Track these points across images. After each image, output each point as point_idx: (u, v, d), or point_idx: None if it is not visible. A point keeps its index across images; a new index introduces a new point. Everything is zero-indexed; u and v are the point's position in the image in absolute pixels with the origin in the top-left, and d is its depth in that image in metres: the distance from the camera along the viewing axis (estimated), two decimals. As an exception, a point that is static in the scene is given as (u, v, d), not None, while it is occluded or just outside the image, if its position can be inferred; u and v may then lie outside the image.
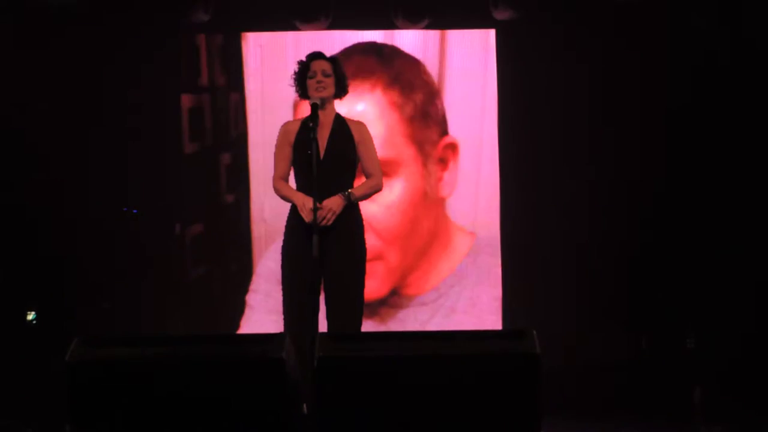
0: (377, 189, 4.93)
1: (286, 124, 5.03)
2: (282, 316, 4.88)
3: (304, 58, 4.99)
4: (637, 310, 7.38)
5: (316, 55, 4.96)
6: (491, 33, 7.58)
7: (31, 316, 7.50)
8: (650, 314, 7.37)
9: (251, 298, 7.54)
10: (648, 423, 5.76)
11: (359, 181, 5.00)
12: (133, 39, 7.34)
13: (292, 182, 5.08)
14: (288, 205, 4.97)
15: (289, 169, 4.95)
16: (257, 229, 7.56)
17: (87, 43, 7.31)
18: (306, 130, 4.79)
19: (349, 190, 4.77)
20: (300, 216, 4.75)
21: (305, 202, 4.69)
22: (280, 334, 3.63)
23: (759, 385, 6.49)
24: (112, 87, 7.34)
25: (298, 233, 4.74)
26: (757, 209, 7.07)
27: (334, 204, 4.70)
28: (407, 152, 7.49)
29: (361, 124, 5.00)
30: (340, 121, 4.93)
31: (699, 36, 7.17)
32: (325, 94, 4.87)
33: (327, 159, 4.79)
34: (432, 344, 3.56)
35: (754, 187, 7.07)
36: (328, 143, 4.84)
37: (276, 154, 4.99)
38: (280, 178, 4.94)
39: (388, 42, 7.59)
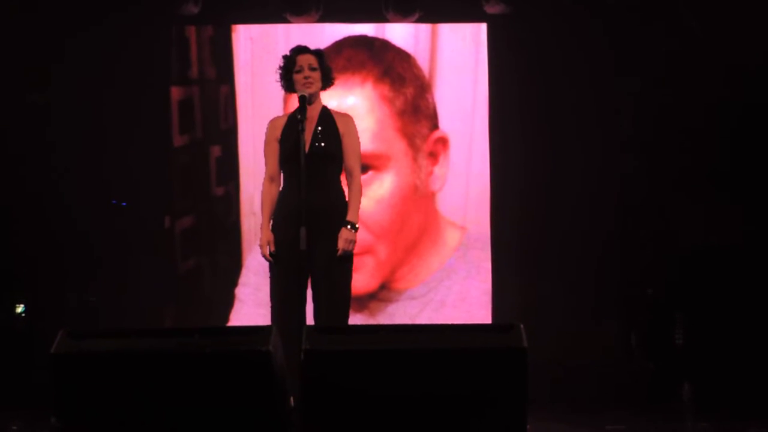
0: (361, 191, 4.90)
1: (273, 120, 5.01)
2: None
3: (288, 53, 4.97)
4: (627, 306, 7.38)
5: (301, 49, 4.92)
6: (483, 27, 7.57)
7: (20, 308, 7.49)
8: (639, 310, 7.38)
9: (240, 292, 7.53)
10: (636, 419, 5.76)
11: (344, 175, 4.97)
12: (123, 30, 7.32)
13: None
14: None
15: (278, 167, 4.93)
16: (247, 222, 7.54)
17: (76, 34, 7.28)
18: (293, 123, 4.77)
19: (348, 219, 4.75)
20: (288, 208, 4.74)
21: (267, 241, 4.75)
22: (267, 326, 3.61)
23: (747, 382, 6.50)
24: (101, 78, 7.31)
25: (286, 226, 4.72)
26: (749, 204, 7.08)
27: (346, 237, 4.71)
28: (398, 146, 7.48)
29: (347, 117, 4.98)
30: (326, 115, 4.91)
31: (690, 33, 7.17)
32: (313, 89, 4.85)
33: (312, 153, 4.77)
34: (419, 338, 3.55)
35: (748, 181, 7.08)
36: (313, 137, 4.82)
37: (264, 151, 4.97)
38: (269, 179, 4.91)
39: (379, 35, 7.57)
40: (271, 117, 5.12)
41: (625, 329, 7.34)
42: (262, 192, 4.92)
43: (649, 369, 7.13)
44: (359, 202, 4.85)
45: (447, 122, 7.55)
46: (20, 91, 7.24)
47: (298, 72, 4.84)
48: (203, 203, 7.67)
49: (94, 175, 7.36)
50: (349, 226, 4.73)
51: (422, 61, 7.54)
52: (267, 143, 4.94)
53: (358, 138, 4.94)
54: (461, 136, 7.56)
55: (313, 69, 4.84)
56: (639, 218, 7.42)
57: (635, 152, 7.37)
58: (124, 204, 7.57)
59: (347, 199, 4.85)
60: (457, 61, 7.56)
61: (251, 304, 7.49)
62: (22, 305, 7.51)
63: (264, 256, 4.79)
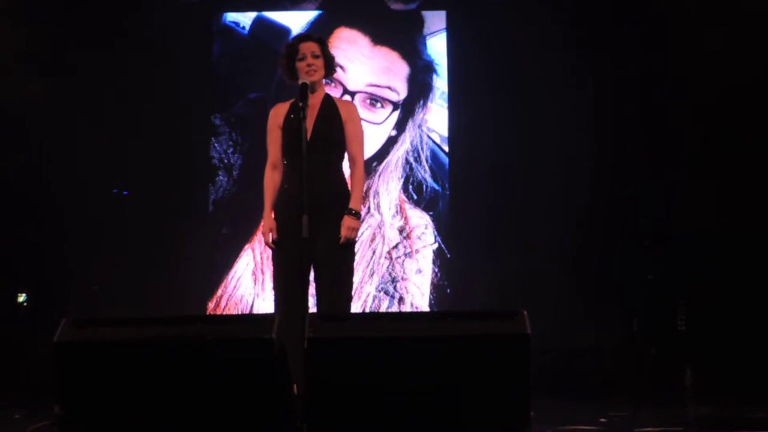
0: (364, 178, 4.88)
1: (275, 107, 4.98)
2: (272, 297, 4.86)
3: (290, 40, 4.95)
4: (628, 293, 7.38)
5: (304, 37, 4.89)
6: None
7: (21, 297, 7.50)
8: (641, 296, 7.38)
9: (242, 280, 7.54)
10: (638, 404, 5.77)
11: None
12: (126, 18, 7.32)
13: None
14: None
15: (281, 154, 4.89)
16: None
17: (77, 24, 7.29)
18: (296, 111, 4.74)
19: (351, 207, 4.72)
20: (290, 196, 4.72)
21: (270, 229, 4.73)
22: (270, 314, 3.60)
23: (749, 367, 6.50)
24: (104, 70, 7.32)
25: (289, 213, 4.70)
26: (752, 190, 7.07)
27: (349, 225, 4.68)
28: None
29: (350, 104, 4.95)
30: (329, 102, 4.88)
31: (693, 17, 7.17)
32: (316, 77, 4.81)
33: (315, 140, 4.74)
34: (422, 325, 3.53)
35: (750, 167, 7.07)
36: (315, 124, 4.79)
37: (267, 138, 4.93)
38: (271, 166, 4.88)
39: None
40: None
41: (627, 315, 7.34)
42: (265, 179, 4.88)
43: (651, 355, 7.14)
44: (362, 190, 4.83)
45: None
46: (20, 80, 7.24)
47: (301, 60, 4.80)
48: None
49: (95, 165, 7.37)
50: (351, 214, 4.72)
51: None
52: (269, 130, 4.91)
53: (361, 125, 4.91)
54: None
55: (316, 56, 4.80)
56: (640, 204, 7.41)
57: (637, 138, 7.36)
58: (125, 193, 7.57)
59: (349, 186, 4.83)
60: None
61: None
62: (23, 294, 7.52)
63: (267, 243, 4.77)
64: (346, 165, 4.87)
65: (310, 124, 4.76)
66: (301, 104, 4.62)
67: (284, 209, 4.75)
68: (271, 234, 4.74)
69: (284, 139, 4.82)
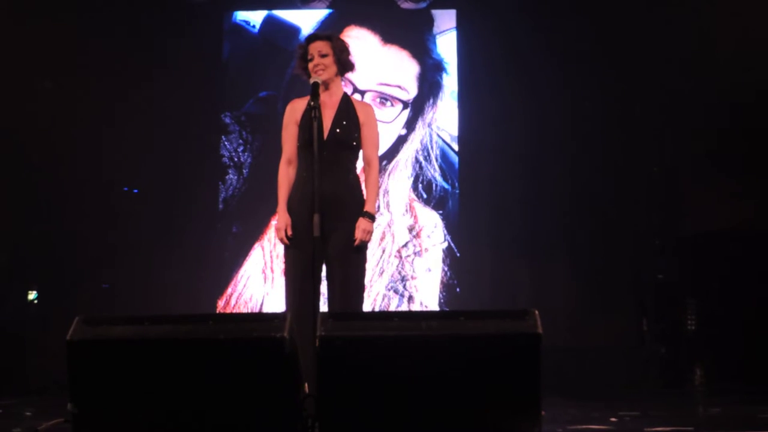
0: (378, 181, 4.86)
1: (293, 102, 4.93)
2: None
3: (303, 41, 4.94)
4: (638, 293, 7.38)
5: (312, 38, 4.87)
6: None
7: (32, 295, 7.52)
8: (651, 296, 7.37)
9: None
10: (648, 404, 5.76)
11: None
12: (136, 16, 7.35)
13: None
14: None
15: (296, 150, 4.87)
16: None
17: (87, 23, 7.32)
18: (310, 109, 4.72)
19: (366, 210, 4.71)
20: (302, 195, 4.71)
21: (285, 226, 4.68)
22: (282, 313, 3.61)
23: (758, 366, 6.49)
24: (113, 69, 7.33)
25: (300, 212, 4.69)
26: (761, 189, 7.06)
27: (364, 228, 4.67)
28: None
29: (368, 106, 4.92)
30: (346, 102, 4.85)
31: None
32: (324, 76, 4.76)
33: (331, 139, 4.72)
34: (434, 324, 3.53)
35: (759, 166, 7.07)
36: (332, 124, 4.77)
37: (283, 133, 4.90)
38: (286, 162, 4.85)
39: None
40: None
41: (637, 315, 7.33)
42: (279, 174, 4.84)
43: (661, 354, 7.13)
44: (377, 193, 4.80)
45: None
46: (33, 79, 7.27)
47: (310, 60, 4.79)
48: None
49: (105, 163, 7.39)
50: (367, 217, 4.70)
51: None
52: (285, 126, 4.87)
53: (377, 129, 4.87)
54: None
55: (323, 56, 4.77)
56: (651, 204, 7.41)
57: (649, 137, 7.35)
58: (135, 191, 7.59)
59: (362, 187, 4.81)
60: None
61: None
62: (34, 292, 7.54)
63: (281, 239, 4.74)
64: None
65: (327, 123, 4.73)
66: (312, 104, 4.61)
67: (297, 206, 4.73)
68: (286, 230, 4.71)
69: (301, 135, 4.79)
